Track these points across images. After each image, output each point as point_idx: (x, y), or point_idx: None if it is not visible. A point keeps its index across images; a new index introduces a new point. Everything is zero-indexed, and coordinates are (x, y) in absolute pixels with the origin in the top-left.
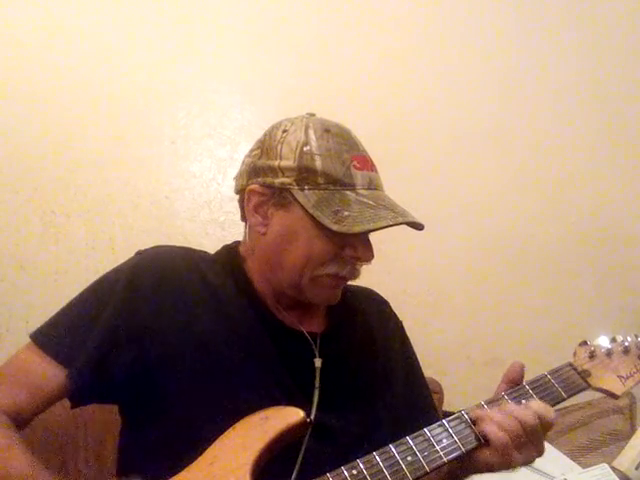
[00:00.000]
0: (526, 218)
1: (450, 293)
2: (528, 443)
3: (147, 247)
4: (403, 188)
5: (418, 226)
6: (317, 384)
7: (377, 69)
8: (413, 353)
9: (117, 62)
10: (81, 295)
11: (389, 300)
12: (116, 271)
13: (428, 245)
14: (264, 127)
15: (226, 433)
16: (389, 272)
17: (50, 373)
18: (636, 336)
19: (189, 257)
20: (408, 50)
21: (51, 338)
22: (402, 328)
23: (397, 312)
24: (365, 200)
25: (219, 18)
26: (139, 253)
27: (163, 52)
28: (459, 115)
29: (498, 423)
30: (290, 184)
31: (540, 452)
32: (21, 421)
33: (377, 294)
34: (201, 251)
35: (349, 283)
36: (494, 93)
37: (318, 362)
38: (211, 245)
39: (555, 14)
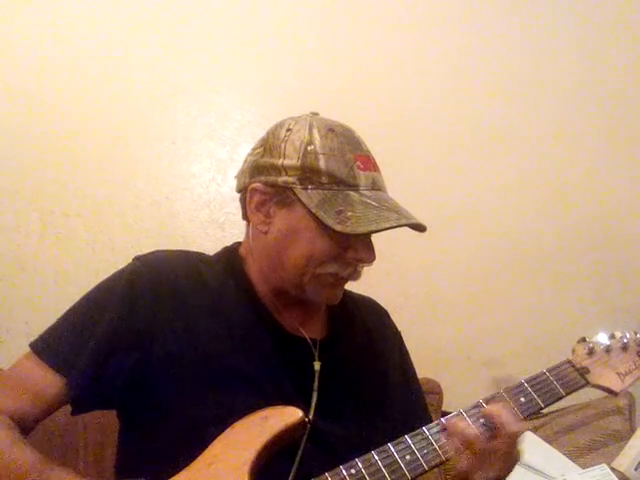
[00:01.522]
0: (525, 219)
1: (449, 294)
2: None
3: (145, 252)
4: (403, 189)
5: (420, 228)
6: (316, 387)
7: (377, 69)
8: (411, 364)
9: (117, 63)
10: (80, 302)
11: (389, 301)
12: (114, 277)
13: (427, 246)
14: (264, 127)
15: (225, 433)
16: (388, 273)
17: (49, 382)
18: (635, 333)
19: (188, 260)
20: (409, 50)
21: (50, 347)
22: (401, 339)
23: (396, 313)
24: (368, 201)
25: (219, 18)
26: (137, 259)
27: (163, 53)
28: (459, 116)
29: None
30: (293, 183)
31: (507, 465)
32: (24, 428)
33: (377, 304)
34: (200, 253)
35: (350, 289)
36: (494, 95)
37: (317, 365)
38: (211, 246)
39: (555, 16)
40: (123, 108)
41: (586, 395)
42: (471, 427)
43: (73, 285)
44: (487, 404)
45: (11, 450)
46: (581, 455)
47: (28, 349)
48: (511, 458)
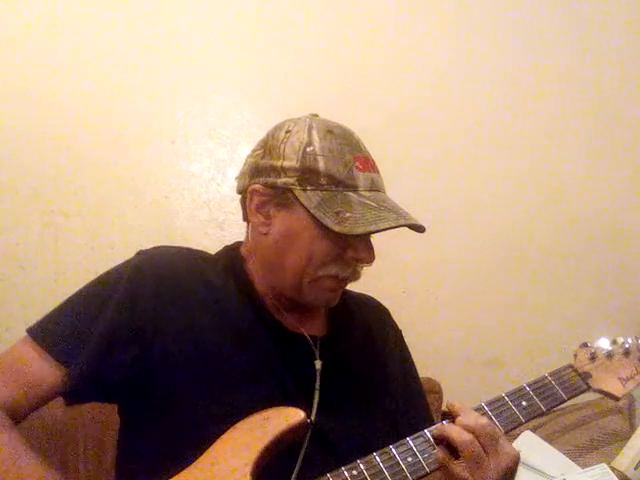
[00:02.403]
0: (526, 218)
1: (449, 293)
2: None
3: (148, 247)
4: (402, 187)
5: (419, 228)
6: (317, 386)
7: (377, 69)
8: (412, 362)
9: (116, 62)
10: (81, 292)
11: (388, 299)
12: (117, 270)
13: (427, 245)
14: (264, 127)
15: (227, 433)
16: (388, 272)
17: (48, 371)
18: (636, 338)
19: (190, 257)
20: (408, 50)
21: (50, 335)
22: (401, 337)
23: (396, 312)
24: (367, 202)
25: (218, 17)
26: (140, 253)
27: (162, 52)
28: (458, 115)
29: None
30: (293, 184)
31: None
32: (17, 417)
33: (377, 302)
34: (202, 251)
35: (350, 288)
36: (493, 94)
37: (318, 364)
38: (210, 245)
39: (554, 15)
40: (122, 107)
41: (586, 395)
42: (463, 433)
43: (72, 284)
44: (488, 407)
45: (11, 454)
46: (581, 454)
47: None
48: (503, 464)
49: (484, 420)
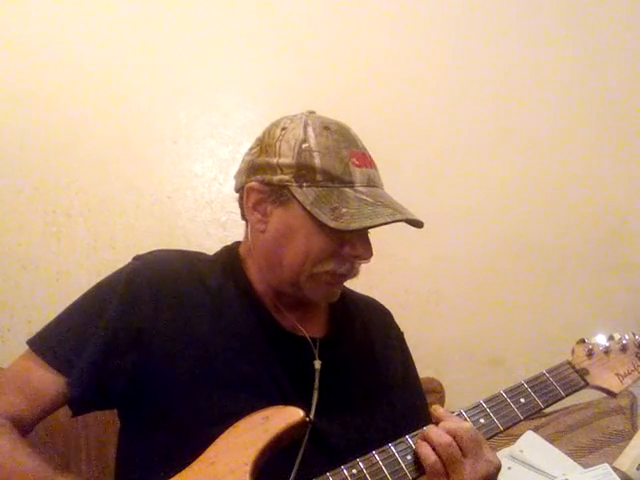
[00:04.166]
0: (528, 218)
1: (452, 293)
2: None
3: (146, 251)
4: (405, 187)
5: (417, 223)
6: (316, 386)
7: (379, 69)
8: (413, 364)
9: (119, 62)
10: (79, 301)
11: (391, 298)
12: (114, 277)
13: (430, 245)
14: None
15: (227, 432)
16: (391, 271)
17: (49, 381)
18: (634, 334)
19: (187, 260)
20: (410, 50)
21: (49, 346)
22: (403, 339)
23: (398, 312)
24: (364, 197)
25: (221, 18)
26: (136, 258)
27: (165, 52)
28: (461, 114)
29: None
30: (289, 181)
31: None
32: (22, 428)
33: (379, 304)
34: (199, 253)
35: (353, 286)
36: (496, 92)
37: (317, 364)
38: (212, 245)
39: (556, 14)
40: (125, 107)
41: (588, 395)
42: (443, 435)
43: (74, 284)
44: (486, 404)
45: (13, 456)
46: (583, 455)
47: (26, 346)
48: (482, 470)
49: (467, 424)
